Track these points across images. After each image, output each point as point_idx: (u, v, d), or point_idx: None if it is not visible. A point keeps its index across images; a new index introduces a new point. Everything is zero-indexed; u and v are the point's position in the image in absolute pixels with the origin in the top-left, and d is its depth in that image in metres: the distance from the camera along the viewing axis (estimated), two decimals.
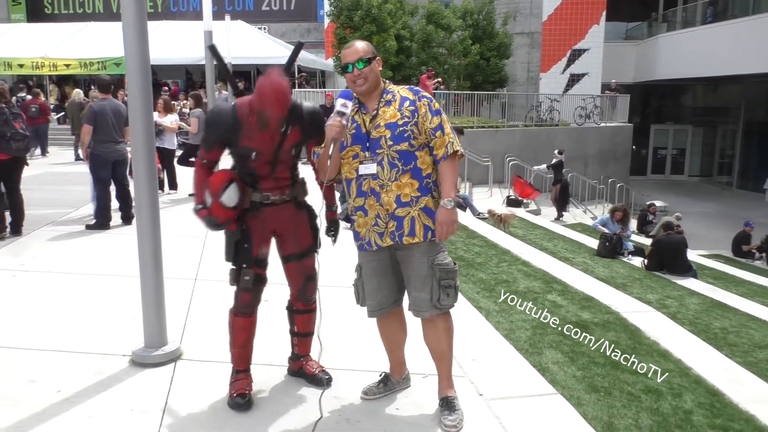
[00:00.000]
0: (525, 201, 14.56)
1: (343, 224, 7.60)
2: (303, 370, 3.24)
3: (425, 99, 2.82)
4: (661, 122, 28.81)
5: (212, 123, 2.92)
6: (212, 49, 3.26)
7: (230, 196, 2.83)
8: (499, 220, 10.10)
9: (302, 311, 3.18)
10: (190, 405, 2.99)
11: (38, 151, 14.69)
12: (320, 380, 3.18)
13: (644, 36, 27.01)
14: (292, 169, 3.06)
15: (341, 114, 2.75)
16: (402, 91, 2.86)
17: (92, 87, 15.50)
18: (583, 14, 23.23)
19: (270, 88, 2.71)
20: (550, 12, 23.51)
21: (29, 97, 15.80)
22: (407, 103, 2.80)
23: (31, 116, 14.33)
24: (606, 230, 9.97)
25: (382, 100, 2.84)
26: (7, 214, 6.41)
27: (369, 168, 2.78)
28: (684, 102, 29.21)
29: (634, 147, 22.96)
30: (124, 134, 6.87)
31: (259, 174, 2.95)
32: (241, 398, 2.96)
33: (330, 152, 2.75)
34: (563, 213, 14.68)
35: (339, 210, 7.72)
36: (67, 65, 18.91)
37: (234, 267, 2.98)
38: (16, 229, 6.38)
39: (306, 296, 3.15)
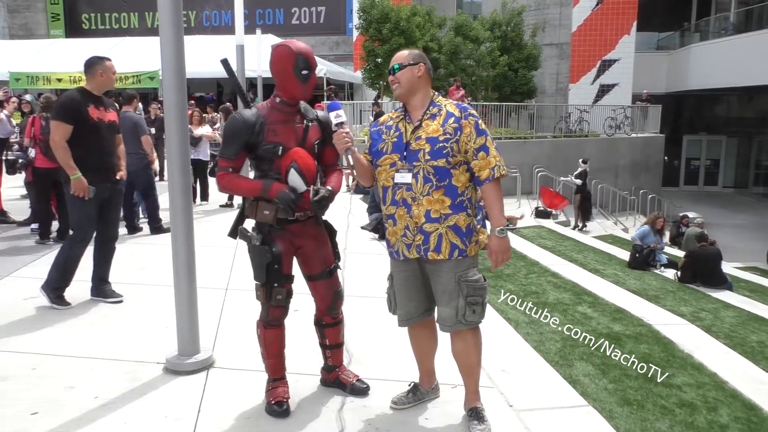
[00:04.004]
0: (554, 212, 14.42)
1: (370, 235, 7.60)
2: (339, 380, 3.26)
3: (472, 118, 2.76)
4: (694, 133, 28.33)
5: (236, 127, 2.87)
6: (224, 64, 3.24)
7: (293, 180, 2.85)
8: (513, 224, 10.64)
9: (331, 324, 3.21)
10: (223, 412, 3.03)
11: None
12: (358, 389, 3.20)
13: (676, 46, 26.61)
14: (315, 178, 3.05)
15: (340, 125, 2.82)
16: (449, 106, 2.83)
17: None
18: (613, 25, 22.99)
19: (292, 42, 2.88)
20: (579, 23, 23.33)
21: None
22: (452, 119, 2.77)
23: None
24: (640, 242, 9.81)
25: (428, 112, 2.82)
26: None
27: (404, 177, 2.78)
28: (718, 112, 28.67)
29: (666, 158, 22.61)
30: (140, 144, 7.05)
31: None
32: (279, 406, 3.00)
33: (348, 163, 2.83)
34: (586, 223, 14.45)
35: (368, 221, 7.69)
36: None
37: (263, 285, 2.97)
38: (63, 236, 6.52)
39: (335, 310, 3.19)
